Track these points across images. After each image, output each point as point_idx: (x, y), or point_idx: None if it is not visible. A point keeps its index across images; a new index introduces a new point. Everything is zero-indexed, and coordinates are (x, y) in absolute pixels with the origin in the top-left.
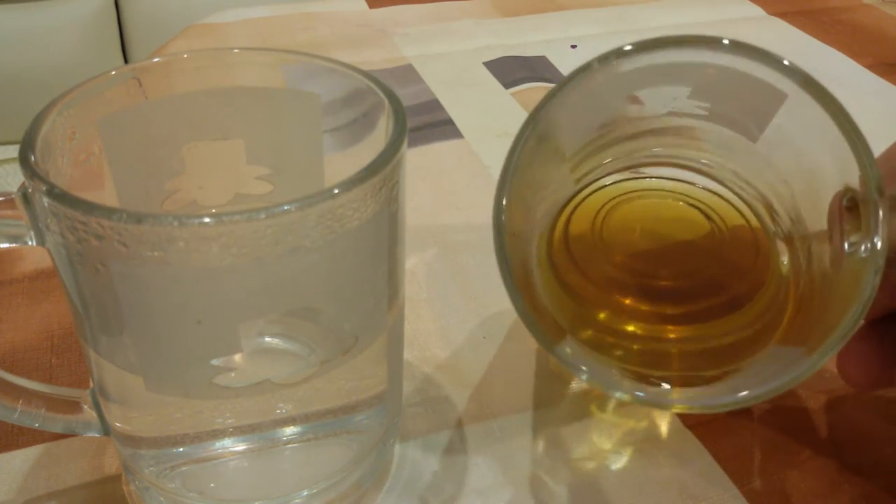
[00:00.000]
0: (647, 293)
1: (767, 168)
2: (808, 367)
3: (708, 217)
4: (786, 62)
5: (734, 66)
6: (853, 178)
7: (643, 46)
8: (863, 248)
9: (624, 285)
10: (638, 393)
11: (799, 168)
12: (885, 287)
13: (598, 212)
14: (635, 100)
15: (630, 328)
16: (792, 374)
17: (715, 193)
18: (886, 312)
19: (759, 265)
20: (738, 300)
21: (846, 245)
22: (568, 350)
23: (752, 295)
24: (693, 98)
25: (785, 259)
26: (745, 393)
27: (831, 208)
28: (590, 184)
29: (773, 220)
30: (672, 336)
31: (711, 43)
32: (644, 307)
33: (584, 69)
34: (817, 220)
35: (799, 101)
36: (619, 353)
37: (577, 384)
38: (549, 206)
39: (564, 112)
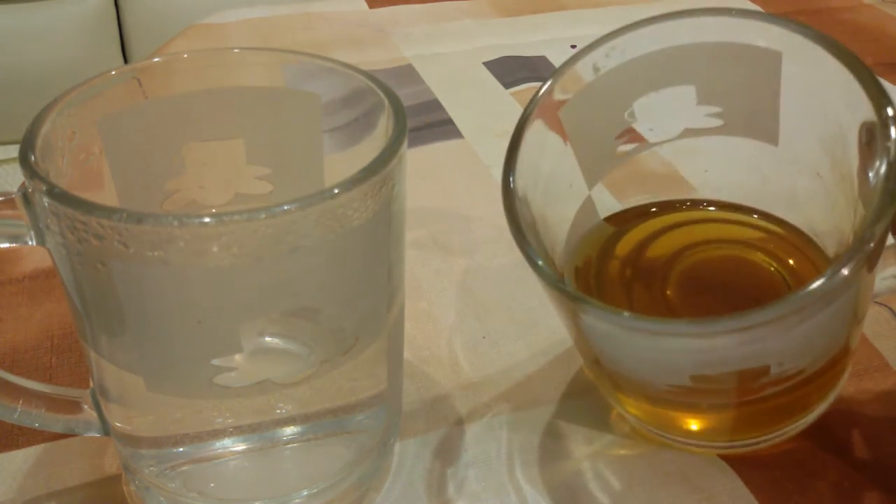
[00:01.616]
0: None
1: (800, 172)
2: (828, 280)
3: (770, 262)
4: (763, 13)
5: (723, 37)
6: (868, 114)
7: (622, 30)
8: (883, 165)
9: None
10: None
11: (821, 144)
12: None
13: (677, 252)
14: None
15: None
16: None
17: (764, 229)
18: None
19: None
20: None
21: (871, 176)
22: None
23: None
24: (703, 103)
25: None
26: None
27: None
28: (628, 217)
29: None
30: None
31: (692, 12)
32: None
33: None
34: (851, 192)
35: (794, 55)
36: None
37: (578, 383)
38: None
39: (576, 116)
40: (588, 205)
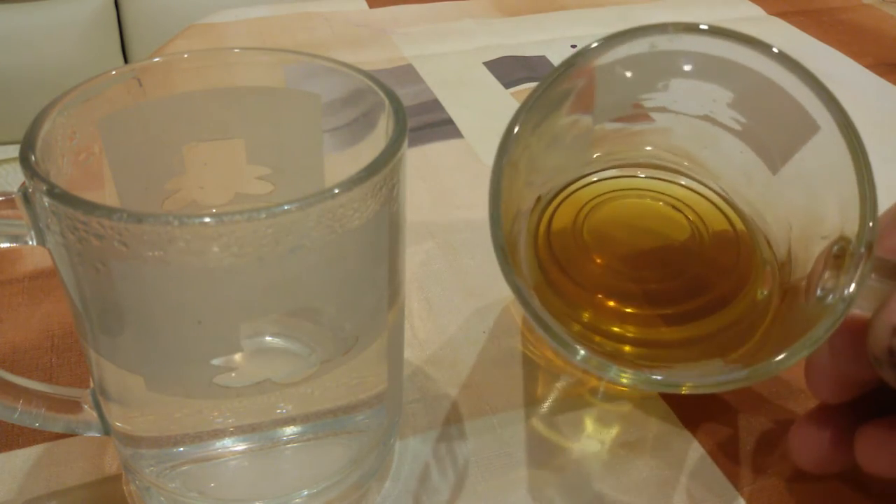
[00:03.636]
0: (630, 295)
1: (778, 204)
2: (735, 380)
3: (688, 218)
4: (831, 93)
5: (778, 80)
6: (851, 229)
7: (690, 27)
8: (830, 296)
9: (607, 286)
10: (629, 372)
11: (805, 211)
12: (851, 367)
13: (580, 209)
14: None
15: (615, 329)
16: (724, 378)
17: (702, 196)
18: (851, 397)
19: (742, 263)
20: (723, 298)
21: (819, 289)
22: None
23: (737, 292)
24: (732, 108)
25: (768, 267)
26: (678, 380)
27: (820, 255)
28: (582, 177)
29: (771, 248)
30: (659, 336)
31: (760, 46)
32: (628, 309)
33: (633, 33)
34: (805, 266)
35: (828, 139)
36: (608, 349)
37: (577, 382)
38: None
39: (606, 72)
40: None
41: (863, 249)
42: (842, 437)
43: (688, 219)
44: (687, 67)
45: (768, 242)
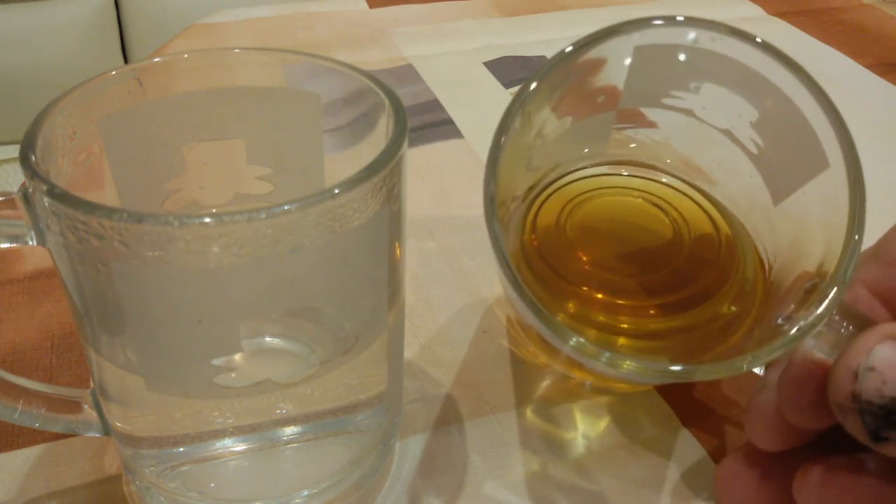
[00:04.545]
0: (614, 288)
1: (770, 236)
2: (686, 373)
3: (670, 216)
4: (847, 129)
5: (801, 105)
6: (829, 269)
7: (738, 32)
8: (787, 326)
9: (591, 280)
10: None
11: (794, 246)
12: (799, 417)
13: (566, 203)
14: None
15: (602, 319)
16: (678, 368)
17: (683, 194)
18: (790, 447)
19: (724, 258)
20: (706, 292)
21: (780, 318)
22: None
23: (720, 286)
24: (754, 128)
25: (749, 260)
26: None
27: (792, 286)
28: (574, 171)
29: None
30: (645, 329)
31: (793, 66)
32: (614, 301)
33: (676, 21)
34: (781, 284)
35: (833, 178)
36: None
37: (578, 383)
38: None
39: (643, 54)
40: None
41: (831, 290)
42: (771, 478)
43: (669, 216)
44: (722, 73)
45: (754, 244)
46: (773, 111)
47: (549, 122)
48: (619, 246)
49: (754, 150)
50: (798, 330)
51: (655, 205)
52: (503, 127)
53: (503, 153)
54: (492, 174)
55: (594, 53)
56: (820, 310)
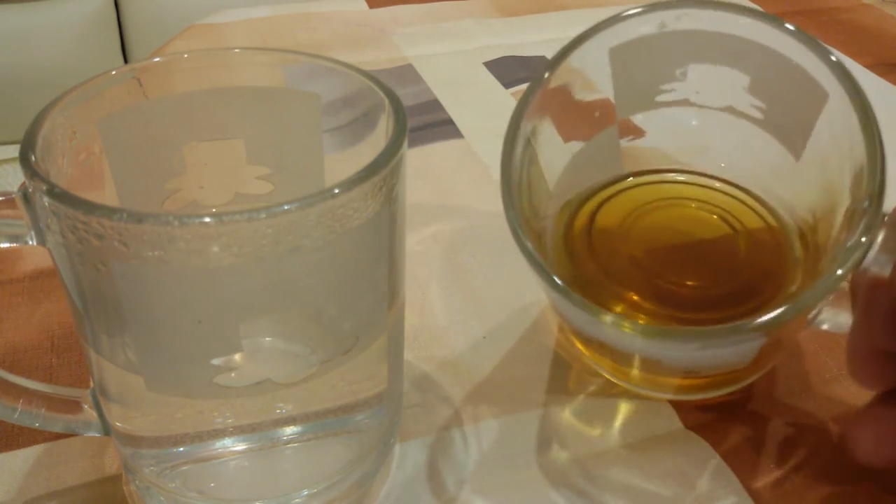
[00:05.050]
0: (667, 297)
1: (804, 192)
2: (743, 329)
3: (730, 225)
4: (833, 56)
5: (786, 52)
6: (863, 190)
7: (703, 3)
8: (841, 254)
9: (644, 287)
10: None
11: (826, 190)
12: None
13: (629, 213)
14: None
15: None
16: (734, 325)
17: (738, 200)
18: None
19: (779, 266)
20: (761, 304)
21: (835, 252)
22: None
23: (774, 296)
24: (751, 93)
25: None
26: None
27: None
28: (619, 179)
29: (804, 245)
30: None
31: (762, 16)
32: (663, 311)
33: (639, 12)
34: (829, 233)
35: (837, 105)
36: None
37: (578, 383)
38: (571, 179)
39: (619, 58)
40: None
41: (867, 204)
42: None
43: (731, 227)
44: (698, 47)
45: (802, 235)
46: (761, 67)
47: (556, 147)
48: (681, 259)
49: (759, 116)
50: (851, 249)
51: (717, 215)
52: (506, 164)
53: (513, 182)
54: (509, 204)
55: (574, 63)
56: (863, 224)
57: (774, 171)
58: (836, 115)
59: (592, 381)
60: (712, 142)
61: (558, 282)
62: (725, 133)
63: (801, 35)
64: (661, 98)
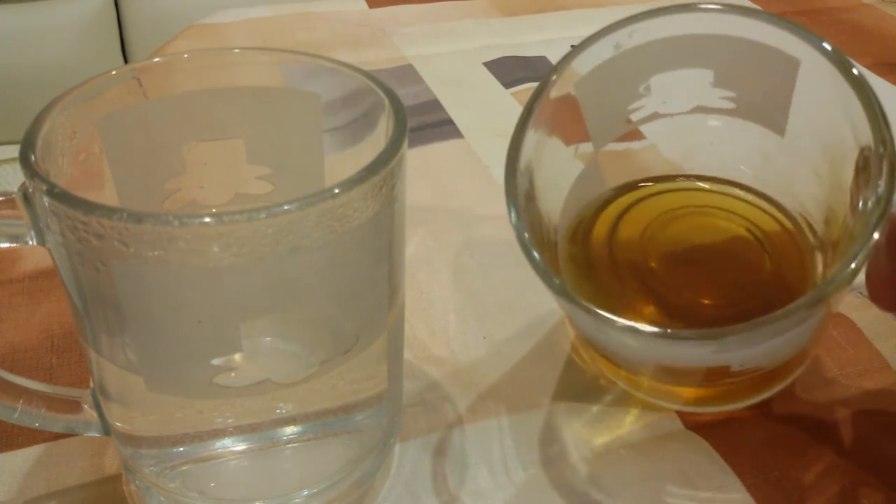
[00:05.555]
0: (685, 313)
1: (800, 165)
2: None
3: (755, 237)
4: (791, 22)
5: (742, 33)
6: (867, 139)
7: (651, 13)
8: (871, 201)
9: (665, 302)
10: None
11: (822, 149)
12: None
13: (648, 225)
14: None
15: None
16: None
17: (758, 207)
18: None
19: (799, 278)
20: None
21: (860, 203)
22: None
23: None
24: (717, 86)
25: (820, 267)
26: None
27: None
28: (629, 186)
29: (812, 230)
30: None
31: (722, 9)
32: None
33: (590, 38)
34: (843, 201)
35: (810, 66)
36: None
37: (578, 383)
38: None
39: (585, 89)
40: (590, 169)
41: (882, 149)
42: None
43: (755, 237)
44: (656, 58)
45: (808, 222)
46: (721, 58)
47: (563, 158)
48: (703, 273)
49: (732, 105)
50: (879, 201)
51: (742, 226)
52: (511, 174)
53: (519, 189)
54: (520, 221)
55: (555, 93)
56: (885, 170)
57: (763, 154)
58: (813, 77)
59: (592, 381)
60: (692, 145)
61: (565, 288)
62: (701, 135)
63: (751, 11)
64: (633, 117)
